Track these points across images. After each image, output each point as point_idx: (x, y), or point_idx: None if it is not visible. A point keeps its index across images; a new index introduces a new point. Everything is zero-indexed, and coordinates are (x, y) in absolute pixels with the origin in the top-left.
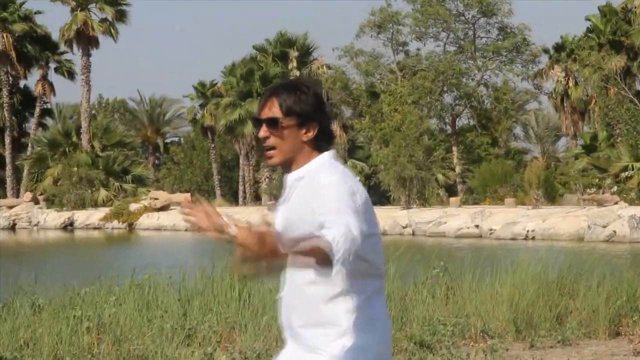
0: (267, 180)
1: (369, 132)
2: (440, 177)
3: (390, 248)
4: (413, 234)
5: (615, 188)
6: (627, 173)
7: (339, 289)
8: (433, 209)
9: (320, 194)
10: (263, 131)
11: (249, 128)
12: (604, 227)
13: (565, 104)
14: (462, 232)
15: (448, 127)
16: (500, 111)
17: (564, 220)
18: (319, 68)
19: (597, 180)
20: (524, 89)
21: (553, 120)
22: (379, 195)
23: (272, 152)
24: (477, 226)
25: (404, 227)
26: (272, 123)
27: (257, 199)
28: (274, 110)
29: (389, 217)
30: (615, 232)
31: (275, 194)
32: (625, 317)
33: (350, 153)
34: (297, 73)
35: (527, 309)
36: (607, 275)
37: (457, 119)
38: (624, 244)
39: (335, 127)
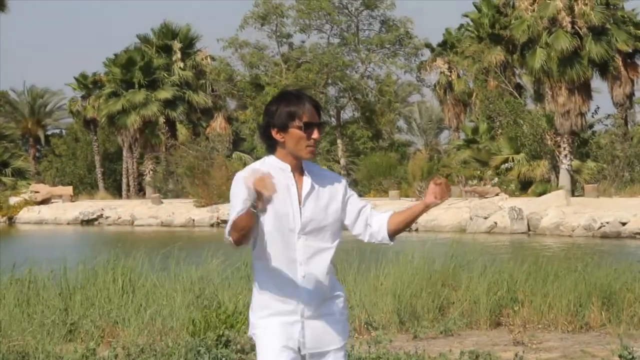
0: (151, 172)
1: (252, 124)
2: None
3: None
4: None
5: (496, 180)
6: (507, 165)
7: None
8: None
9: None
10: (317, 133)
11: (131, 119)
12: (485, 218)
13: (448, 97)
14: None
15: (333, 119)
16: (384, 103)
17: (447, 212)
18: (203, 59)
19: (478, 172)
20: (407, 82)
21: (436, 112)
22: None
23: (316, 148)
24: None
25: None
26: (322, 127)
27: (140, 191)
28: (319, 116)
29: None
30: (496, 223)
31: (159, 187)
32: (505, 307)
33: (235, 145)
34: (181, 64)
35: (410, 300)
36: (488, 266)
37: (342, 112)
38: (505, 235)
39: (220, 119)
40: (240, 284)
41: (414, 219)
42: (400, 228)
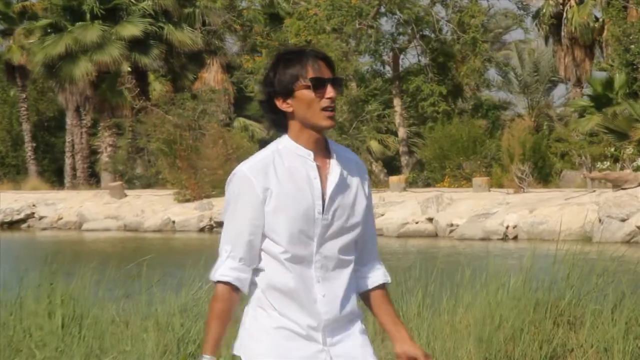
0: (109, 149)
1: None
2: (374, 145)
3: None
4: None
5: (639, 161)
6: None
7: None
8: None
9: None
10: (332, 91)
11: (80, 68)
12: (623, 220)
13: (563, 33)
14: (408, 229)
15: (387, 68)
16: (466, 44)
17: (562, 211)
18: None
19: (612, 150)
20: (503, 10)
21: (546, 58)
22: None
23: (335, 112)
24: (430, 219)
25: None
26: (339, 84)
27: (92, 178)
28: (332, 71)
29: None
30: (639, 228)
31: (122, 170)
32: None
33: (238, 108)
34: None
35: (505, 346)
36: (627, 295)
37: (402, 57)
38: None
39: (215, 67)
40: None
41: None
42: (368, 304)
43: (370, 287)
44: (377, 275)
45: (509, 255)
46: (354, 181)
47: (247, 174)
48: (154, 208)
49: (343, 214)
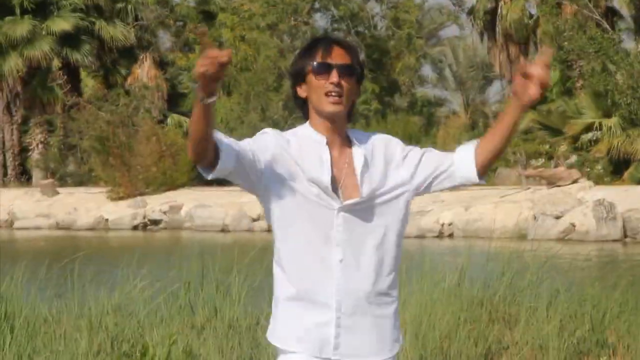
0: (40, 146)
1: None
2: None
3: (236, 251)
4: (269, 229)
5: (573, 159)
6: (591, 135)
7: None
8: None
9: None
10: (336, 76)
11: (9, 64)
12: (557, 218)
13: (497, 30)
14: None
15: None
16: (401, 40)
17: (497, 208)
18: None
19: (547, 147)
20: (437, 6)
21: (481, 55)
22: None
23: (342, 99)
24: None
25: (255, 220)
26: (347, 70)
27: (23, 175)
28: (345, 58)
29: (232, 203)
30: (573, 225)
31: (54, 168)
32: (588, 355)
33: (171, 104)
34: None
35: (441, 343)
36: (561, 292)
37: None
38: (588, 243)
39: (147, 63)
40: (179, 318)
41: (510, 132)
42: (495, 151)
43: (475, 156)
44: (465, 149)
45: (445, 253)
46: (380, 153)
47: (267, 129)
48: (87, 206)
49: (376, 183)
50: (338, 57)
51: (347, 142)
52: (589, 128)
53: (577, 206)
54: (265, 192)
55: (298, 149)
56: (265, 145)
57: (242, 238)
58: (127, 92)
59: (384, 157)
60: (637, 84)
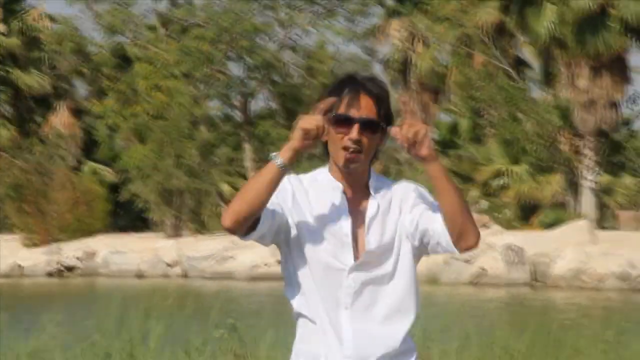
0: None
1: (115, 119)
2: (225, 188)
3: (154, 297)
4: (185, 275)
5: (483, 204)
6: (500, 181)
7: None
8: (215, 237)
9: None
10: (356, 132)
11: None
12: (468, 262)
13: (409, 78)
14: (258, 272)
15: (237, 112)
16: (316, 89)
17: None
18: (37, 20)
19: None
20: (350, 55)
21: (393, 102)
22: (131, 216)
23: (360, 155)
24: (279, 262)
25: (170, 266)
26: (370, 126)
27: None
28: (372, 111)
29: (147, 249)
30: (484, 269)
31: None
32: None
33: (87, 151)
34: (2, 27)
35: None
36: (471, 336)
37: (250, 101)
38: (497, 287)
39: (63, 111)
40: None
41: (446, 189)
42: (454, 217)
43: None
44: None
45: None
46: (396, 204)
47: (285, 179)
48: (1, 253)
49: (382, 240)
50: (364, 109)
51: (366, 191)
52: (498, 174)
53: (486, 251)
54: (286, 248)
55: (315, 198)
56: (283, 198)
57: (158, 283)
58: (43, 141)
59: (399, 207)
60: (545, 132)
